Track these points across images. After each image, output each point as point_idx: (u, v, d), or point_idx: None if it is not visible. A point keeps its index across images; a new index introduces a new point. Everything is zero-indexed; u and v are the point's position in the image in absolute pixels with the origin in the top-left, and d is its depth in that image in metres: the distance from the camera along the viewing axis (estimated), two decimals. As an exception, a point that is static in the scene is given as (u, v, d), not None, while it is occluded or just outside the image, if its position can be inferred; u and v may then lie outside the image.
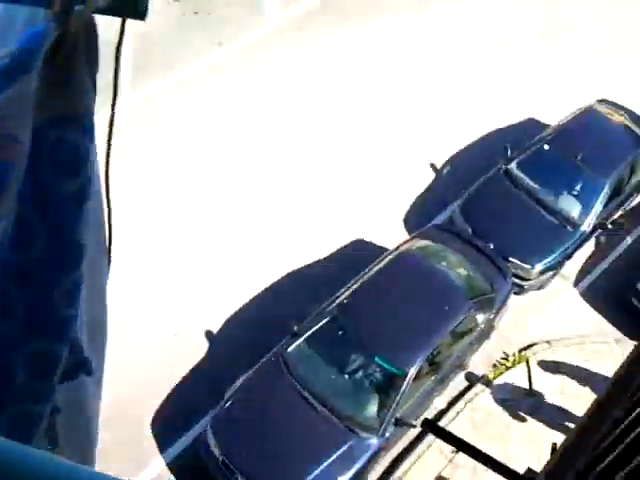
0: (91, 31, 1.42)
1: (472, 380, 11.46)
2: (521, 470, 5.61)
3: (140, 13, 1.44)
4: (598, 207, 12.85)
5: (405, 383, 9.60)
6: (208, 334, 11.05)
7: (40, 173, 1.44)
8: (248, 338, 10.79)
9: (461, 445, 7.90)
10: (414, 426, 9.58)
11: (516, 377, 11.64)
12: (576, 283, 13.06)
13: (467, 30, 16.51)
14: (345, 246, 12.43)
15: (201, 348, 10.91)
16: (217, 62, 14.52)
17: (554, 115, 14.26)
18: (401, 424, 9.67)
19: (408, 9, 16.27)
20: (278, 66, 14.76)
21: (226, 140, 13.36)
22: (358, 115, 14.32)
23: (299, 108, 14.14)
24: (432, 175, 13.89)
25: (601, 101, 14.46)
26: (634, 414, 3.54)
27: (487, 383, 11.45)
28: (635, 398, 3.96)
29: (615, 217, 13.50)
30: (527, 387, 11.55)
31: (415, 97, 14.93)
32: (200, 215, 12.28)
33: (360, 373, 9.85)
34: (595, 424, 4.36)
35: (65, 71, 1.40)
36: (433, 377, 10.26)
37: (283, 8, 15.85)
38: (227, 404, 9.51)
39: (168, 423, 10.21)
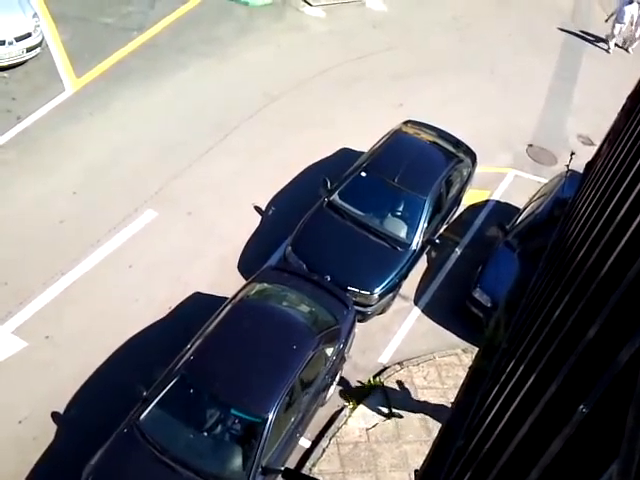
0: None
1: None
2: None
3: None
4: (423, 225, 13.12)
5: (266, 430, 9.22)
6: (55, 416, 10.17)
7: None
8: (99, 412, 10.05)
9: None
10: (281, 472, 9.18)
11: (375, 403, 11.53)
12: (416, 301, 13.25)
13: (268, 72, 16.81)
14: (184, 301, 11.96)
15: (49, 432, 10.01)
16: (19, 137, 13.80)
17: (364, 142, 14.63)
18: (268, 472, 9.24)
19: (199, 65, 16.37)
20: (83, 132, 14.23)
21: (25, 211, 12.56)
22: (170, 168, 14.00)
23: (108, 170, 13.66)
24: (259, 218, 13.73)
25: (407, 122, 14.97)
26: (474, 441, 3.42)
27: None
28: (474, 424, 3.89)
29: (441, 231, 13.92)
30: (387, 411, 11.46)
31: (229, 139, 14.88)
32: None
33: (219, 428, 9.38)
34: (441, 453, 4.25)
35: None
36: (293, 418, 9.93)
37: (79, 75, 15.45)
38: None
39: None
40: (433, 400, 11.83)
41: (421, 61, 18.39)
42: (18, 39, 14.75)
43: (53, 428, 10.03)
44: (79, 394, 10.44)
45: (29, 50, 15.05)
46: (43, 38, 15.50)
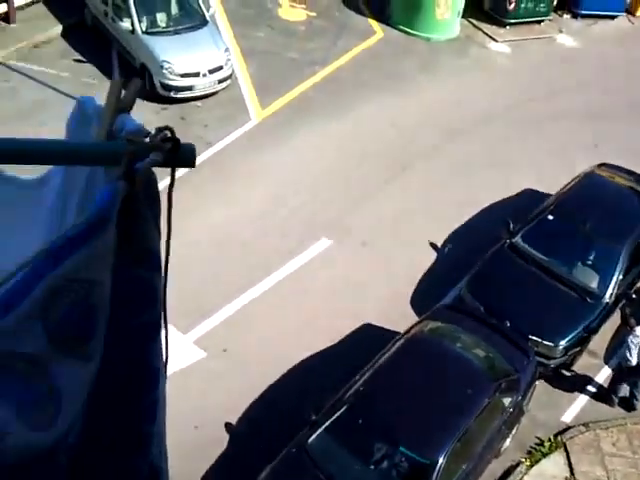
0: (152, 182, 1.68)
1: None
2: None
3: (190, 163, 1.71)
4: (617, 276, 12.03)
5: (435, 473, 8.63)
6: (228, 426, 10.31)
7: (118, 310, 1.65)
8: (267, 428, 10.12)
9: None
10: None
11: (555, 464, 10.42)
12: (607, 359, 11.97)
13: (450, 106, 16.36)
14: (354, 331, 11.61)
15: (222, 440, 10.12)
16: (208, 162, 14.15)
17: (552, 184, 13.71)
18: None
19: (379, 99, 16.15)
20: (266, 160, 14.40)
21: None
22: (347, 199, 13.83)
23: (288, 198, 13.74)
24: (434, 255, 13.14)
25: (601, 165, 13.94)
26: None
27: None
28: None
29: (639, 285, 12.64)
30: (568, 475, 10.32)
31: (407, 175, 14.58)
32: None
33: (386, 463, 8.93)
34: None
35: (134, 219, 1.64)
36: (465, 465, 9.23)
37: (264, 106, 15.72)
38: None
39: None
40: (621, 469, 10.52)
41: (618, 101, 17.03)
42: (211, 71, 15.50)
43: (225, 437, 10.23)
44: (249, 408, 10.49)
45: (220, 82, 15.76)
46: (233, 71, 16.13)
